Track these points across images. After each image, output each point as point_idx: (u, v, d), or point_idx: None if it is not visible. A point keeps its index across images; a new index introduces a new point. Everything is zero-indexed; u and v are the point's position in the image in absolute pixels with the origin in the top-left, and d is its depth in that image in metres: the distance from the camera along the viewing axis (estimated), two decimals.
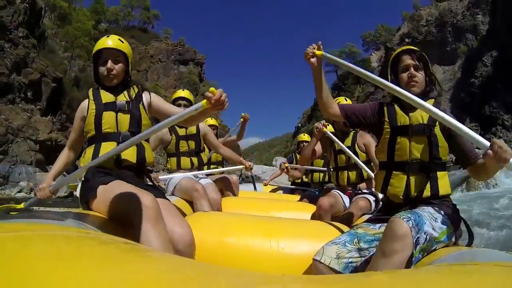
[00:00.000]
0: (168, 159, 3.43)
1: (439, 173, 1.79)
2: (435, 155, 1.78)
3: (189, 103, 3.42)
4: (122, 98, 2.01)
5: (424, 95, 1.87)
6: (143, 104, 2.05)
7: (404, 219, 1.45)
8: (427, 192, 1.76)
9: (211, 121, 4.80)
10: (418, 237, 1.43)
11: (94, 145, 1.93)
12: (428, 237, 1.47)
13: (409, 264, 1.43)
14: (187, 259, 0.72)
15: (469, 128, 1.47)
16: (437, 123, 1.78)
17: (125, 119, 1.97)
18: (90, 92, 2.04)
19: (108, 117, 1.95)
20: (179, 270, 0.55)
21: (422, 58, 1.92)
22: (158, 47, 60.19)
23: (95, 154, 1.87)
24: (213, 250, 1.90)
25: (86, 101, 2.03)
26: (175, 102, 3.46)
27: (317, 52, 1.84)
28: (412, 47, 2.01)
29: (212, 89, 1.40)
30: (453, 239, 1.64)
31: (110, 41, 2.00)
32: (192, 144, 3.36)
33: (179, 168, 3.31)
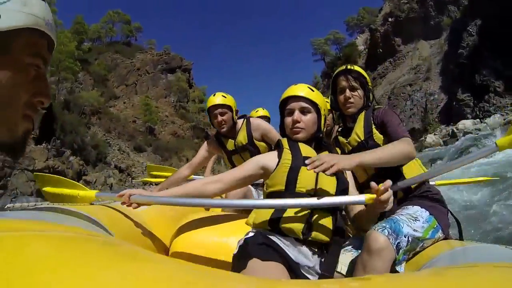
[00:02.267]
0: None
1: (402, 170, 1.83)
2: None
3: (229, 109, 2.87)
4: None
5: (362, 111, 1.99)
6: None
7: (379, 230, 1.44)
8: (400, 193, 1.81)
9: (263, 111, 4.28)
10: (398, 242, 1.43)
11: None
12: (410, 239, 1.48)
13: (393, 265, 1.44)
14: (190, 264, 0.67)
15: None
16: (372, 129, 1.88)
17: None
18: (285, 142, 1.73)
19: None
20: (181, 274, 0.55)
21: (358, 77, 1.98)
22: (144, 59, 59.97)
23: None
24: (215, 252, 1.84)
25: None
26: (211, 112, 2.88)
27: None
28: (349, 67, 2.04)
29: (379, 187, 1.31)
30: (441, 233, 1.63)
31: (302, 92, 1.72)
32: (247, 156, 2.84)
33: None
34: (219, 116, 2.79)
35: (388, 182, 1.32)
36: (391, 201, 1.36)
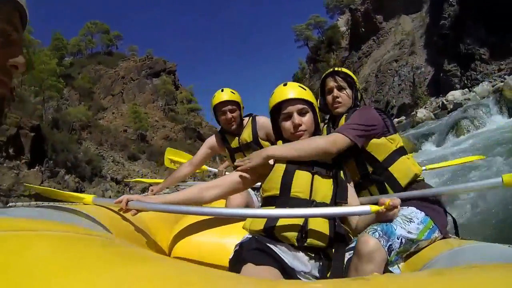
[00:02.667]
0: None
1: (390, 170, 1.81)
2: (371, 163, 1.82)
3: (238, 106, 2.75)
4: None
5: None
6: None
7: (370, 232, 1.42)
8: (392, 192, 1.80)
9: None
10: (390, 244, 1.42)
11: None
12: (403, 240, 1.46)
13: (386, 267, 1.44)
14: (189, 264, 0.68)
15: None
16: None
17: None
18: (281, 143, 1.75)
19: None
20: (180, 274, 0.54)
21: (346, 78, 2.01)
22: (127, 66, 59.67)
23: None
24: (213, 252, 1.86)
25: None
26: (219, 109, 2.75)
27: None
28: (336, 69, 2.08)
29: (387, 201, 1.36)
30: (437, 233, 1.61)
31: (296, 94, 1.68)
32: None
33: None
34: (228, 113, 2.69)
35: (398, 200, 1.37)
36: (396, 213, 1.44)
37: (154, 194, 2.57)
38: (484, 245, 1.37)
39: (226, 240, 1.85)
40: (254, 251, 1.41)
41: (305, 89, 1.72)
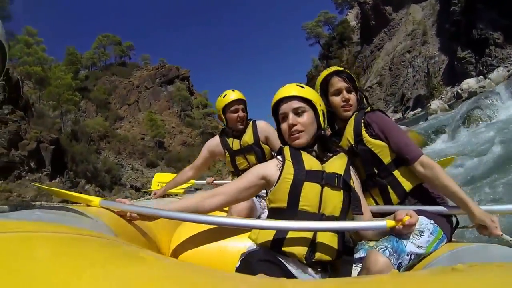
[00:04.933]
0: (232, 178, 2.99)
1: (395, 174, 1.73)
2: (377, 166, 1.75)
3: (245, 105, 2.80)
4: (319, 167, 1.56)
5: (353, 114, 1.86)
6: None
7: (380, 250, 1.36)
8: (395, 198, 1.73)
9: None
10: (400, 262, 1.36)
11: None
12: (412, 256, 1.40)
13: None
14: (192, 264, 0.71)
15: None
16: (362, 133, 1.76)
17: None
18: (287, 151, 1.58)
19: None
20: (183, 274, 0.55)
21: (351, 79, 1.86)
22: (141, 75, 60.63)
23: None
24: (215, 254, 1.86)
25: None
26: (229, 108, 2.73)
27: None
28: (339, 68, 1.94)
29: (406, 216, 1.33)
30: (444, 242, 1.54)
31: (291, 92, 1.59)
32: (252, 158, 2.75)
33: None
34: (241, 111, 2.72)
35: (416, 218, 1.34)
36: (412, 230, 1.39)
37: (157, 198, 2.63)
38: (486, 246, 1.36)
39: (229, 244, 1.84)
40: (265, 262, 1.36)
41: (303, 87, 1.60)
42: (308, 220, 1.39)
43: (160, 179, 4.23)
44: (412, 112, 28.41)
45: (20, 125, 18.67)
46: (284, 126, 1.58)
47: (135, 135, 47.01)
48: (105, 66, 65.66)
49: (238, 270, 1.43)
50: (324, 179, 1.47)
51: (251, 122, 2.84)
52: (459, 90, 20.21)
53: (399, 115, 31.09)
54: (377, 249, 1.37)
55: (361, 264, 1.50)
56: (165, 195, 3.08)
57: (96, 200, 1.65)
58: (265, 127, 2.78)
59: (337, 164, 1.55)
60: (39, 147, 18.98)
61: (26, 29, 34.81)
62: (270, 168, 1.58)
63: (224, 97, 2.73)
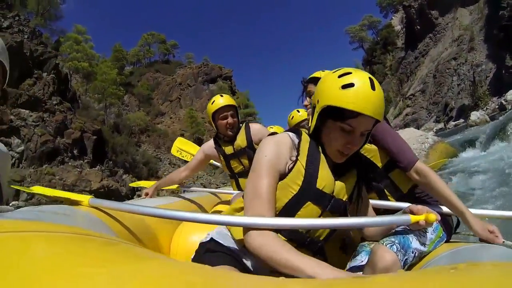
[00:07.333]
0: (230, 180, 2.97)
1: (391, 177, 1.75)
2: (372, 170, 1.74)
3: (236, 111, 2.77)
4: None
5: None
6: None
7: (388, 245, 1.31)
8: (393, 201, 1.74)
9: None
10: (406, 258, 1.33)
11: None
12: (416, 253, 1.37)
13: None
14: (191, 263, 0.74)
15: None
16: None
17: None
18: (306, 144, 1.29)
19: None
20: (181, 273, 0.56)
21: None
22: (184, 73, 62.09)
23: None
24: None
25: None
26: (218, 115, 2.69)
27: None
28: (316, 75, 2.02)
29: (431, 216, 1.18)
30: (444, 240, 1.55)
31: None
32: (246, 161, 2.74)
33: (241, 191, 2.78)
34: (230, 117, 2.69)
35: (437, 216, 1.21)
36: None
37: (151, 197, 2.67)
38: (486, 246, 1.36)
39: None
40: (212, 253, 1.33)
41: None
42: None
43: (181, 145, 4.19)
44: (453, 123, 27.20)
45: (66, 115, 20.21)
46: (343, 139, 1.20)
47: (175, 130, 48.32)
48: (149, 63, 68.08)
49: (194, 260, 1.36)
50: (330, 207, 1.26)
51: (244, 124, 2.84)
52: (503, 101, 19.14)
53: (441, 125, 29.89)
54: (384, 244, 1.33)
55: (357, 264, 1.49)
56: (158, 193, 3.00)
57: (85, 199, 1.58)
58: (259, 129, 2.77)
59: (348, 185, 1.33)
60: (82, 136, 20.36)
61: (76, 27, 37.45)
62: (283, 154, 1.23)
63: (212, 103, 2.70)
